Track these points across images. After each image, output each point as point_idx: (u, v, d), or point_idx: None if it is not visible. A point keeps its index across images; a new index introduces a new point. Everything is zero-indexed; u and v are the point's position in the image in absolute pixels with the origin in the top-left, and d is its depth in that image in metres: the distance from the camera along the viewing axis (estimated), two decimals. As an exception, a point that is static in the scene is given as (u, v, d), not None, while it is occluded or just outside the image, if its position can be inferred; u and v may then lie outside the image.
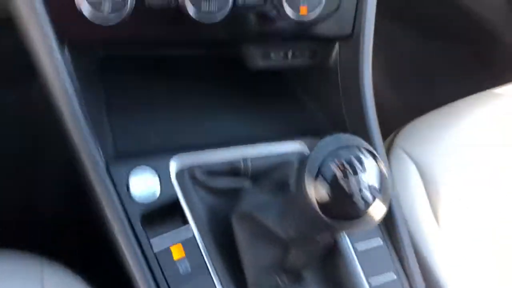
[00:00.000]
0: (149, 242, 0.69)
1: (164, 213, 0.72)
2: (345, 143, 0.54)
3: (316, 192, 0.52)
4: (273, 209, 0.67)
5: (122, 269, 0.70)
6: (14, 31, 0.70)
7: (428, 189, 0.89)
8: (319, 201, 0.53)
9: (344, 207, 0.52)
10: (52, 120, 0.72)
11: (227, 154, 0.77)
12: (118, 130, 0.81)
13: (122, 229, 0.68)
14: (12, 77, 1.22)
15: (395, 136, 0.99)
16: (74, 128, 0.69)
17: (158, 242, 0.70)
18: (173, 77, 0.94)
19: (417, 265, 0.78)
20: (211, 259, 0.70)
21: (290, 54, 0.84)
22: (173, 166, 0.74)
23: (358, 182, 0.51)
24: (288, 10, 0.72)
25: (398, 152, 0.94)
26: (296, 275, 0.71)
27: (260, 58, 0.83)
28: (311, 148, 0.79)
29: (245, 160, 0.77)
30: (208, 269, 0.70)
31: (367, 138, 0.80)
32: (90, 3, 0.65)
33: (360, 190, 0.51)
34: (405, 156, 0.93)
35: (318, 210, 0.53)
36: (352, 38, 0.79)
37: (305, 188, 0.53)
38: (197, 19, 0.69)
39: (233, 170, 0.77)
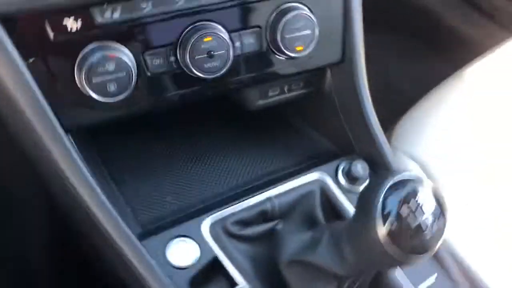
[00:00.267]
0: None
1: (209, 274, 0.72)
2: (399, 178, 0.56)
3: (385, 230, 0.55)
4: (319, 247, 0.68)
5: None
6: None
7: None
8: (388, 238, 0.55)
9: (413, 240, 0.55)
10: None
11: (252, 199, 0.78)
12: (133, 201, 0.80)
13: None
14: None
15: (390, 136, 1.02)
16: (102, 215, 0.67)
17: None
18: (165, 129, 0.93)
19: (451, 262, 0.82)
20: None
21: (286, 88, 0.85)
22: (205, 225, 0.74)
23: (423, 213, 0.54)
24: (285, 50, 0.73)
25: (399, 155, 0.97)
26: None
27: (259, 98, 0.84)
28: (328, 174, 0.82)
29: (270, 199, 0.78)
30: None
31: (380, 155, 0.83)
32: (93, 87, 0.64)
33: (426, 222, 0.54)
34: (406, 158, 0.96)
35: (388, 247, 0.55)
36: (344, 63, 0.82)
37: (373, 227, 0.55)
38: (202, 76, 0.69)
39: (262, 213, 0.77)
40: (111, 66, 0.63)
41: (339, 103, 0.86)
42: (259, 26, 0.73)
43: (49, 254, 1.21)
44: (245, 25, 0.72)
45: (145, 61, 0.68)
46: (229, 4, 0.70)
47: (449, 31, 1.60)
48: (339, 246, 0.65)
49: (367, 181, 0.83)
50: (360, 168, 0.82)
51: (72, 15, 0.62)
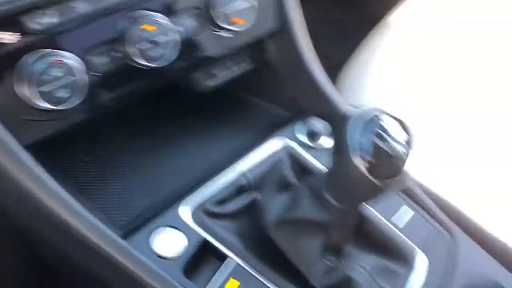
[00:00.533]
0: None
1: (202, 258, 0.72)
2: (367, 117, 0.61)
3: (364, 162, 0.60)
4: (301, 202, 0.71)
5: None
6: None
7: None
8: (367, 168, 0.60)
9: (389, 166, 0.61)
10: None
11: (226, 178, 0.79)
12: (105, 208, 0.78)
13: None
14: None
15: None
16: (80, 223, 0.65)
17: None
18: (119, 127, 0.91)
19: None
20: (262, 274, 0.73)
21: (232, 65, 0.86)
22: (184, 212, 0.74)
23: (394, 142, 0.58)
24: (229, 26, 0.75)
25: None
26: (340, 252, 0.76)
27: (207, 80, 0.85)
28: (288, 137, 0.85)
29: (244, 175, 0.79)
30: (265, 285, 0.72)
31: (334, 108, 0.86)
32: (44, 96, 0.61)
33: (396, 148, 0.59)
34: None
35: (368, 175, 0.60)
36: (284, 31, 0.84)
37: (352, 163, 0.60)
38: (152, 66, 0.69)
39: (239, 189, 0.79)
40: (58, 72, 0.62)
41: (286, 71, 0.89)
42: (198, 8, 0.73)
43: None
44: (184, 8, 0.72)
45: (91, 61, 0.66)
46: None
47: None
48: (320, 194, 0.68)
49: (327, 135, 0.87)
50: (317, 123, 0.87)
51: (2, 26, 0.60)
